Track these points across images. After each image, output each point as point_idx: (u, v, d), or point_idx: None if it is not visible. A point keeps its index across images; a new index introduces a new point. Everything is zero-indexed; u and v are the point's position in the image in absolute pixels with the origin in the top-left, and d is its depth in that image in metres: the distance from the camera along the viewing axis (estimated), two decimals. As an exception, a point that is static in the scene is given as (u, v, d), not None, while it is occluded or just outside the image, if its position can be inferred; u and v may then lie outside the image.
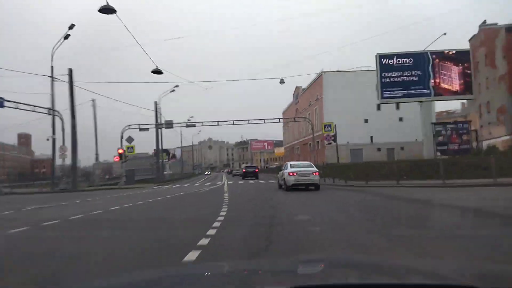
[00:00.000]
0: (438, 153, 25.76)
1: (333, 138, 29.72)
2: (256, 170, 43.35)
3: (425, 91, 28.44)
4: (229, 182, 29.97)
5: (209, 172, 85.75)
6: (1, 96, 24.56)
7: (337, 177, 22.54)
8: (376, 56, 29.22)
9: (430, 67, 28.42)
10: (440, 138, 26.42)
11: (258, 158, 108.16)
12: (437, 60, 28.39)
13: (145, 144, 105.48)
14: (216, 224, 7.10)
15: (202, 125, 36.58)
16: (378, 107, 55.02)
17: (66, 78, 28.32)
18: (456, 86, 28.57)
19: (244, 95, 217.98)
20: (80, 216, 9.79)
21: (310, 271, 2.00)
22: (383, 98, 29.36)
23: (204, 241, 5.37)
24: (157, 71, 24.02)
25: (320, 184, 17.77)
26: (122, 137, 32.95)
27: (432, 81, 28.34)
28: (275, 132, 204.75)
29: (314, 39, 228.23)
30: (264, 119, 35.96)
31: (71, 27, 26.14)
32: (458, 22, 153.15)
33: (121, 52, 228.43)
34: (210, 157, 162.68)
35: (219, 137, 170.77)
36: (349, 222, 7.81)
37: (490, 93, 37.54)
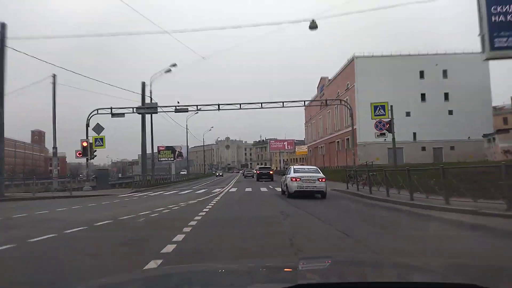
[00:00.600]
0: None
1: (387, 126, 20.66)
2: (271, 172, 40.81)
3: None
4: (231, 190, 22.19)
5: (221, 174, 77.77)
6: None
7: (395, 186, 14.40)
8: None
9: None
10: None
11: (277, 159, 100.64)
12: None
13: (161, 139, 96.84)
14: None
15: (198, 110, 27.93)
16: (423, 97, 46.10)
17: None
18: None
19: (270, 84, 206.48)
20: None
21: (312, 269, 2.03)
22: (494, 49, 15.33)
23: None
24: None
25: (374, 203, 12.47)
26: (88, 126, 24.96)
27: None
28: (297, 131, 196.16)
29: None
30: (283, 102, 27.96)
31: None
32: None
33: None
34: (227, 157, 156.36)
35: (237, 137, 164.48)
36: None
37: None
